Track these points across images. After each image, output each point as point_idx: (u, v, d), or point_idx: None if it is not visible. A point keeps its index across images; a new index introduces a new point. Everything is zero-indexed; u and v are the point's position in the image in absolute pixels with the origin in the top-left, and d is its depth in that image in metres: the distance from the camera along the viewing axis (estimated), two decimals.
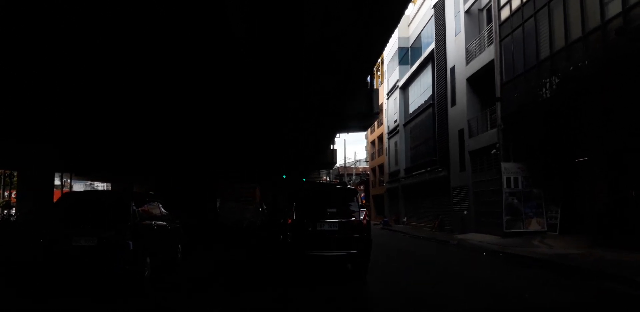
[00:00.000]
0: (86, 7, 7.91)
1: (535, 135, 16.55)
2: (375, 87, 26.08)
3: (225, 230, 18.62)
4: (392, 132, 36.44)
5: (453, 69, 22.60)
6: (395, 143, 35.47)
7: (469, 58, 20.93)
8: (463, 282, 8.81)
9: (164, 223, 9.99)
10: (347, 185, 11.23)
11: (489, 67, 18.71)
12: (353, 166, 64.95)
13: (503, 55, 17.55)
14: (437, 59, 24.89)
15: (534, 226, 16.67)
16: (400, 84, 33.68)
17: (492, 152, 17.45)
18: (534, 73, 15.36)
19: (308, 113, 24.40)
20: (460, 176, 21.77)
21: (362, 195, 63.72)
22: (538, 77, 14.96)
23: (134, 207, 8.41)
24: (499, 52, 17.62)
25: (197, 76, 12.60)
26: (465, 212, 20.98)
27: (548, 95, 14.02)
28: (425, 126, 28.08)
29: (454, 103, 22.53)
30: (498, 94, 17.42)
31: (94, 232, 7.77)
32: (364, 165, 73.09)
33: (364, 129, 27.79)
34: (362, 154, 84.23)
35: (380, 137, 42.64)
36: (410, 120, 31.94)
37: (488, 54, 18.83)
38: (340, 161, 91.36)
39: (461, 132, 21.49)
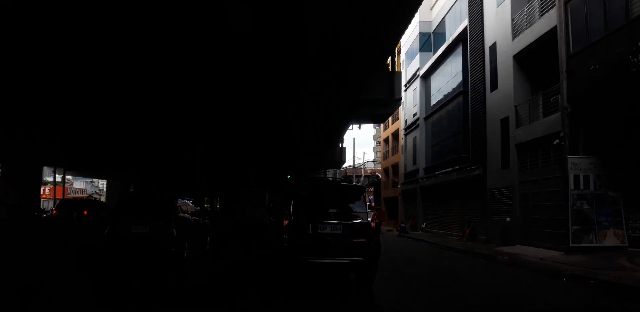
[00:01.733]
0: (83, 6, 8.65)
1: (615, 120, 12.72)
2: (397, 70, 22.23)
3: (240, 228, 20.33)
4: (410, 128, 32.58)
5: (494, 46, 18.76)
6: (414, 139, 31.61)
7: (516, 31, 17.11)
8: None
9: (198, 218, 12.75)
10: (352, 182, 10.14)
11: (547, 38, 14.92)
12: (362, 167, 60.87)
13: (570, 20, 13.75)
14: (472, 37, 21.07)
15: (610, 239, 12.78)
16: (422, 72, 29.86)
17: (555, 142, 13.58)
18: (621, 36, 11.57)
19: (319, 101, 20.79)
20: (501, 174, 17.90)
21: (371, 198, 60.15)
22: (629, 40, 11.17)
23: (177, 205, 11.19)
24: (563, 17, 13.78)
25: (199, 68, 12.75)
26: (508, 219, 17.10)
27: None
28: (453, 118, 24.24)
29: (494, 87, 18.68)
30: (563, 68, 13.58)
31: (148, 222, 10.26)
32: (372, 167, 69.38)
33: (381, 119, 24.03)
34: (370, 156, 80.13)
35: (395, 134, 38.78)
36: (432, 112, 28.11)
37: (546, 22, 15.03)
38: (349, 161, 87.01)
39: (505, 121, 17.63)
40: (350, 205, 8.19)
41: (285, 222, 7.92)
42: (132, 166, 32.48)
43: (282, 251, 7.89)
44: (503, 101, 17.82)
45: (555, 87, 14.53)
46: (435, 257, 14.95)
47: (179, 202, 11.59)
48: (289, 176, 49.11)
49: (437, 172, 26.09)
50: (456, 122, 23.65)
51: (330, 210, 8.03)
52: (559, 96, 14.29)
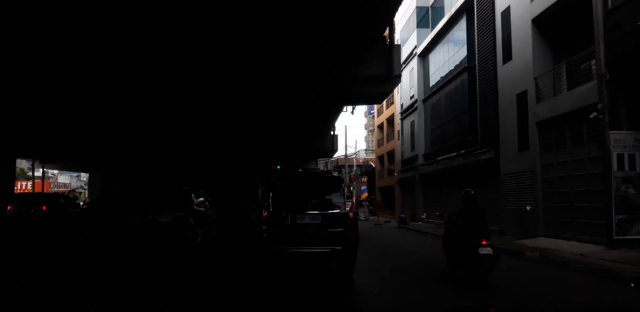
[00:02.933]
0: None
1: None
2: (395, 43, 19.90)
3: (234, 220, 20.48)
4: (407, 111, 30.32)
5: (507, 12, 16.48)
6: (411, 124, 29.37)
7: None
8: None
9: (206, 210, 15.07)
10: (331, 173, 10.15)
11: None
12: (354, 157, 58.59)
13: None
14: (480, 4, 18.75)
15: None
16: (419, 50, 27.53)
17: (591, 116, 11.37)
18: None
19: (308, 78, 18.43)
20: (518, 157, 15.71)
21: (364, 188, 58.29)
22: None
23: (193, 198, 13.81)
24: None
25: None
26: (528, 207, 14.95)
27: None
28: (457, 98, 22.00)
29: (507, 58, 16.42)
30: (600, 27, 11.35)
31: (170, 213, 12.70)
32: (364, 156, 67.16)
33: (378, 99, 21.66)
34: (362, 145, 77.71)
35: (390, 120, 36.54)
36: (432, 94, 25.86)
37: None
38: (341, 150, 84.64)
39: (522, 96, 15.40)
40: (329, 196, 8.27)
41: (265, 213, 8.03)
42: (112, 157, 30.10)
43: (261, 241, 8.01)
44: (519, 73, 15.58)
45: (588, 51, 12.32)
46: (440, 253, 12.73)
47: (199, 197, 14.60)
48: (278, 167, 47.31)
49: (439, 158, 23.92)
50: (460, 102, 21.42)
51: (309, 201, 8.10)
52: (593, 62, 12.11)
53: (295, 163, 50.55)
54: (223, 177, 41.78)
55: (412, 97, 29.26)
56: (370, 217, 34.91)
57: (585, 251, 10.95)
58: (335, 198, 8.20)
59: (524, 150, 15.32)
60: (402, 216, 25.36)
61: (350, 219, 7.99)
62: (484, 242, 7.64)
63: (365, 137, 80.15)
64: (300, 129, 30.00)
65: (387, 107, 37.25)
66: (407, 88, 30.31)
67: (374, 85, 18.89)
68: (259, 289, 7.22)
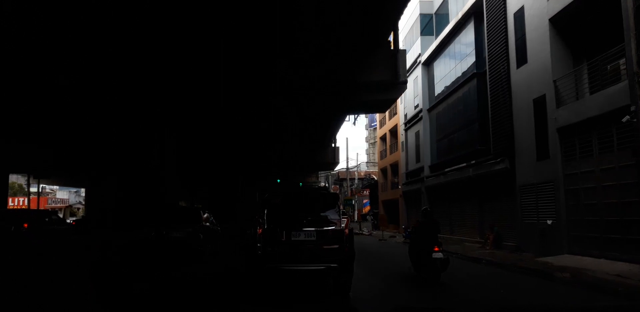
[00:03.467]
0: None
1: None
2: (401, 48, 18.88)
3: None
4: (411, 122, 29.24)
5: (520, 13, 15.49)
6: (416, 135, 28.26)
7: None
8: None
9: (213, 226, 16.69)
10: (327, 189, 10.03)
11: None
12: (355, 169, 57.44)
13: None
14: (490, 6, 17.78)
15: None
16: (423, 58, 26.56)
17: (624, 120, 10.24)
18: None
19: (309, 87, 17.44)
20: (537, 167, 14.56)
21: (366, 201, 57.03)
22: None
23: (202, 215, 15.50)
24: None
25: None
26: (549, 221, 13.73)
27: None
28: (465, 106, 20.93)
29: (522, 62, 15.38)
30: (630, 21, 10.28)
31: (182, 229, 13.43)
32: (365, 169, 65.97)
33: (382, 107, 20.56)
34: (363, 158, 76.45)
35: (394, 131, 35.44)
36: (437, 103, 24.80)
37: None
38: (342, 163, 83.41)
39: (540, 101, 14.30)
40: (324, 212, 8.15)
41: (259, 230, 7.84)
42: (109, 171, 28.91)
43: (255, 258, 7.83)
44: (535, 77, 14.51)
45: (615, 50, 11.25)
46: (471, 277, 11.46)
47: (206, 214, 16.26)
48: (278, 180, 45.99)
49: (446, 170, 22.74)
50: (469, 110, 20.34)
51: (304, 217, 7.95)
52: (622, 61, 11.04)
53: (296, 176, 49.49)
54: (220, 193, 40.46)
55: (416, 106, 28.21)
56: (374, 232, 33.61)
57: (621, 270, 9.72)
58: (331, 215, 8.10)
59: (543, 159, 14.16)
60: (408, 230, 24.04)
61: (345, 236, 7.85)
62: (437, 249, 9.30)
63: (366, 150, 79.08)
64: (301, 140, 28.93)
65: (390, 117, 36.19)
66: (411, 97, 29.28)
67: (378, 92, 17.88)
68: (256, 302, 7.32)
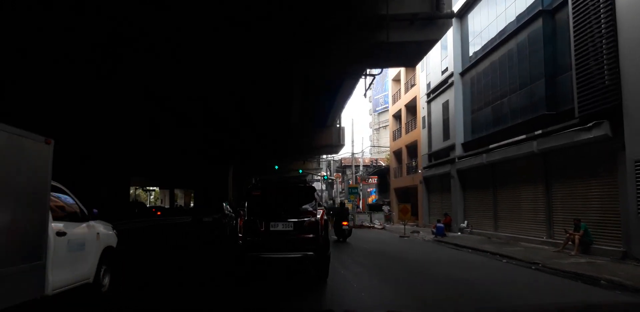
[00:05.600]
0: None
1: None
2: None
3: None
4: (437, 91, 23.90)
5: None
6: (444, 106, 22.96)
7: None
8: None
9: (230, 214, 21.50)
10: (306, 183, 9.96)
11: None
12: (360, 156, 52.00)
13: None
14: None
15: None
16: (456, 8, 21.15)
17: None
18: None
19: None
20: None
21: (371, 190, 52.05)
22: None
23: (224, 205, 21.59)
24: None
25: None
26: None
27: None
28: (520, 60, 15.60)
29: None
30: None
31: (211, 215, 19.21)
32: (369, 156, 60.47)
33: (413, 56, 14.92)
34: (367, 144, 70.87)
35: (411, 106, 30.07)
36: (474, 63, 19.54)
37: None
38: (346, 148, 78.32)
39: None
40: (301, 204, 8.60)
41: (240, 221, 8.36)
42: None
43: (237, 247, 8.26)
44: None
45: None
46: None
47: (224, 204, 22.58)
48: (276, 167, 41.58)
49: (491, 146, 17.51)
50: (530, 63, 15.03)
51: (282, 209, 8.40)
52: None
53: (295, 163, 44.34)
54: (209, 179, 35.92)
55: (444, 71, 22.87)
56: (387, 225, 28.43)
57: None
58: (307, 206, 8.56)
59: None
60: (439, 224, 18.83)
61: (321, 226, 8.26)
62: (345, 223, 17.33)
63: (370, 136, 73.75)
64: (302, 115, 23.68)
65: (407, 90, 30.83)
66: (436, 62, 23.93)
67: (411, 30, 12.64)
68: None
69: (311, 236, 8.11)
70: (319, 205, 9.30)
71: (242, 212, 8.42)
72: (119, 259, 7.32)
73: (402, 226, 22.01)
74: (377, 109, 71.50)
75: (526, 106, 15.31)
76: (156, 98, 17.68)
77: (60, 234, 5.39)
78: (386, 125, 73.26)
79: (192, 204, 36.84)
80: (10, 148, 4.39)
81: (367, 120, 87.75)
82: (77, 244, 5.84)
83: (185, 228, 20.95)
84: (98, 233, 6.50)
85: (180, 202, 66.97)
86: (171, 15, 10.83)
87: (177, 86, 16.47)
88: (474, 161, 19.10)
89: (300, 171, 46.18)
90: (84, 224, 6.23)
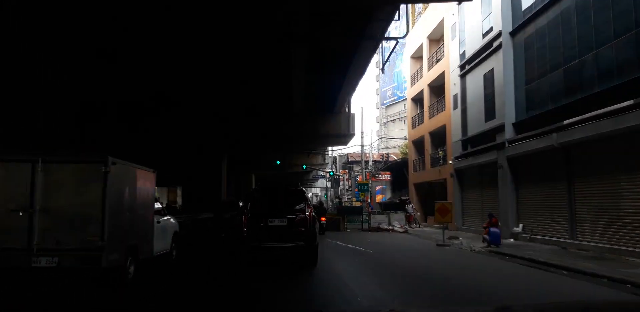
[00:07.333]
0: None
1: None
2: None
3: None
4: (476, 60, 19.06)
5: None
6: (485, 78, 18.19)
7: None
8: None
9: None
10: (298, 186, 11.65)
11: None
12: (368, 150, 46.78)
13: None
14: None
15: None
16: None
17: None
18: None
19: None
20: None
21: (379, 188, 47.48)
22: None
23: (239, 203, 18.63)
24: None
25: None
26: None
27: None
28: (604, 4, 10.90)
29: None
30: None
31: (230, 212, 17.76)
32: (376, 152, 55.25)
33: None
34: (375, 138, 65.90)
35: (437, 85, 25.26)
36: (531, 18, 14.86)
37: None
38: (356, 139, 73.44)
39: None
40: (294, 204, 10.51)
41: (244, 218, 10.25)
42: None
43: (242, 238, 10.12)
44: None
45: None
46: None
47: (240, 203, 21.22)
48: (278, 162, 37.07)
49: (565, 122, 12.77)
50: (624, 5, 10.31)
51: (278, 208, 10.36)
52: None
53: (298, 157, 39.91)
54: (199, 175, 31.19)
55: (486, 33, 18.07)
56: (409, 227, 23.67)
57: None
58: (298, 206, 10.43)
59: None
60: (494, 230, 14.04)
61: (309, 221, 10.17)
62: (323, 219, 19.80)
63: (378, 132, 69.04)
64: (306, 96, 19.06)
65: (430, 67, 26.04)
66: (475, 22, 19.17)
67: None
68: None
69: (302, 229, 10.07)
70: (308, 204, 10.81)
71: (245, 210, 10.30)
72: (181, 239, 11.91)
73: (428, 229, 17.30)
74: (385, 102, 66.75)
75: (630, 60, 10.57)
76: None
77: (157, 223, 9.98)
78: (394, 119, 68.68)
79: (179, 203, 32.66)
80: (139, 177, 8.65)
81: (375, 114, 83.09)
82: (162, 229, 10.49)
83: (208, 224, 21.55)
84: (171, 223, 11.39)
85: (163, 200, 62.61)
86: None
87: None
88: (537, 144, 14.34)
89: (305, 167, 41.87)
90: (165, 218, 10.99)
